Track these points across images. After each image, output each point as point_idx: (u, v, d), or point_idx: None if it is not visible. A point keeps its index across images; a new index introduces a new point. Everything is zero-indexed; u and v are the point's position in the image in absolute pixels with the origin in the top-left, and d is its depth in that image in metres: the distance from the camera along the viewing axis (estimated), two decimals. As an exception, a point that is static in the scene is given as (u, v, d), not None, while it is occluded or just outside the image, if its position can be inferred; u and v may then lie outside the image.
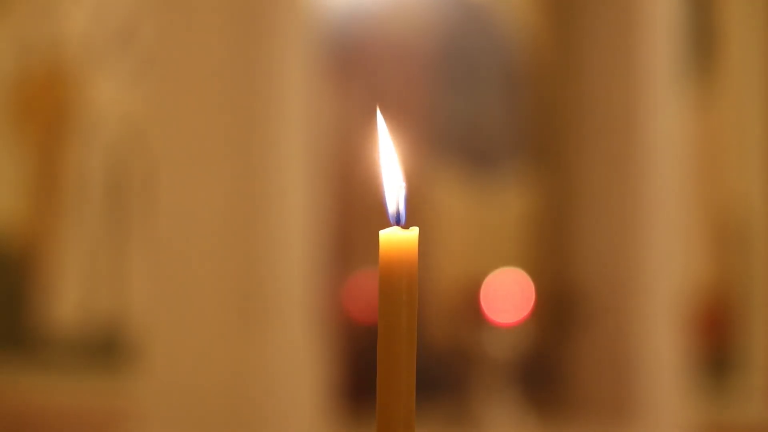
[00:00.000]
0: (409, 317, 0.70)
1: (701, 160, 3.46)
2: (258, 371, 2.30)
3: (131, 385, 2.54)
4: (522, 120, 3.05)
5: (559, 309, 2.99)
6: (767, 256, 3.56)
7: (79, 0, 3.00)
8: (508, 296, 2.89)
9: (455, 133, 2.93)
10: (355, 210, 2.81)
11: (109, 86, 2.98)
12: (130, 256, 2.83)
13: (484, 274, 2.87)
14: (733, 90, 3.61)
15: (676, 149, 3.10)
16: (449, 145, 2.91)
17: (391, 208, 0.72)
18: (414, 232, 0.70)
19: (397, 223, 0.72)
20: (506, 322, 2.87)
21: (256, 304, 2.30)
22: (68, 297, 2.90)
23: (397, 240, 0.70)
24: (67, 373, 2.89)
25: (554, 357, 3.03)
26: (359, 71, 2.76)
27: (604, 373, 2.96)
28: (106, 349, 2.86)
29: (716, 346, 3.44)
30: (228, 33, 2.24)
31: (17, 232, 3.02)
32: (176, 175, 2.31)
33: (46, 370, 2.92)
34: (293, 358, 2.34)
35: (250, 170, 2.29)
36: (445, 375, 2.87)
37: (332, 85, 2.64)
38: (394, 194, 0.72)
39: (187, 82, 2.29)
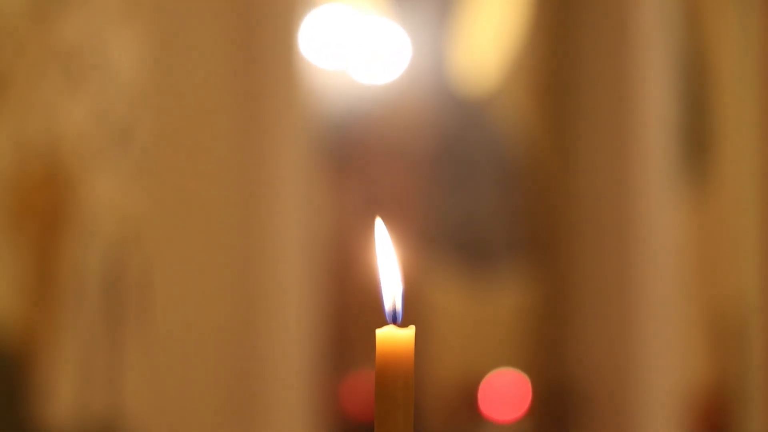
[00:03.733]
0: (405, 415, 0.70)
1: (697, 258, 3.46)
2: (254, 471, 2.28)
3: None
4: (519, 217, 3.06)
5: (556, 406, 2.98)
6: (764, 354, 3.55)
7: (78, 98, 3.03)
8: (505, 394, 2.88)
9: (452, 230, 2.94)
10: (351, 308, 2.80)
11: (106, 185, 2.99)
12: (126, 355, 2.82)
13: (481, 372, 2.86)
14: (728, 187, 3.63)
15: (672, 246, 3.10)
16: (446, 242, 2.92)
17: (388, 307, 0.72)
18: (410, 330, 0.71)
19: (394, 321, 0.72)
20: (503, 420, 2.86)
21: (253, 404, 2.29)
22: (64, 396, 2.88)
23: (394, 338, 0.71)
24: (62, 474, 2.87)
25: (552, 456, 3.01)
26: (356, 169, 2.78)
27: (602, 472, 2.93)
28: (100, 448, 2.83)
29: (715, 444, 3.42)
30: (226, 132, 2.26)
31: (13, 330, 3.01)
32: (173, 274, 2.32)
33: (40, 471, 2.90)
34: (289, 457, 2.32)
35: (247, 268, 2.30)
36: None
37: (329, 183, 2.65)
38: (391, 292, 0.72)
39: (185, 182, 2.30)
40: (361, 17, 2.61)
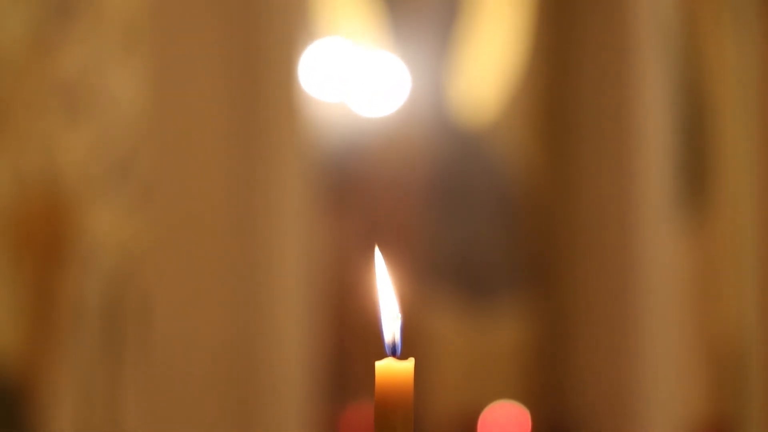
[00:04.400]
0: (405, 448, 0.70)
1: (697, 289, 3.46)
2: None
3: None
4: (518, 249, 3.06)
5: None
6: (764, 385, 3.55)
7: (77, 130, 3.03)
8: (505, 426, 2.87)
9: (451, 262, 2.94)
10: (351, 340, 2.80)
11: (105, 216, 2.99)
12: (125, 384, 2.82)
13: (481, 404, 2.86)
14: (727, 218, 3.63)
15: (672, 278, 3.10)
16: (445, 274, 2.92)
17: (387, 339, 0.72)
18: (410, 363, 0.71)
19: (393, 353, 0.72)
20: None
21: (251, 436, 2.28)
22: (64, 425, 2.88)
23: (393, 370, 0.71)
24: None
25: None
26: (355, 200, 2.78)
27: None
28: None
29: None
30: (225, 163, 2.26)
31: (12, 360, 3.01)
32: (172, 303, 2.31)
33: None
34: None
35: (246, 299, 2.29)
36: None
37: (329, 214, 2.65)
38: (390, 325, 0.72)
39: (185, 213, 2.30)
40: (361, 50, 2.62)
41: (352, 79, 2.62)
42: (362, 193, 2.74)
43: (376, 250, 0.76)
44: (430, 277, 2.88)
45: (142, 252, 2.71)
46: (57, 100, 3.14)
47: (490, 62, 2.96)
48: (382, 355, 0.70)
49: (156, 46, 2.36)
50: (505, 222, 3.01)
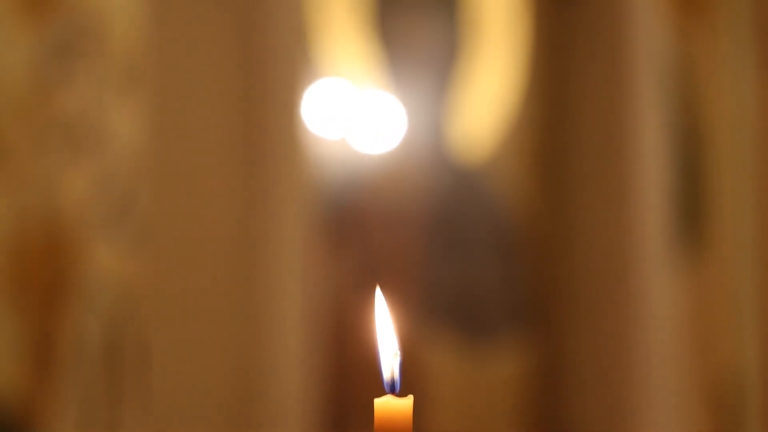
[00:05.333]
0: (404, 484, 0.70)
1: (695, 327, 3.46)
2: None
3: None
4: (516, 285, 3.06)
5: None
6: (763, 423, 3.54)
7: (78, 167, 3.05)
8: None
9: (449, 298, 2.95)
10: (350, 378, 2.80)
11: (106, 254, 3.00)
12: (125, 422, 2.81)
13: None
14: (725, 256, 3.64)
15: (669, 315, 3.11)
16: (443, 310, 2.92)
17: (386, 376, 0.73)
18: (409, 400, 0.71)
19: (392, 391, 0.73)
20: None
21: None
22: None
23: (392, 408, 0.71)
24: None
25: None
26: (354, 237, 2.79)
27: None
28: None
29: None
30: (226, 200, 2.26)
31: (12, 397, 3.01)
32: (172, 341, 2.31)
33: None
34: None
35: (246, 336, 2.30)
36: None
37: (327, 254, 2.66)
38: (389, 362, 0.73)
39: (185, 250, 2.31)
40: (359, 90, 2.63)
41: (351, 118, 2.63)
42: (361, 230, 2.75)
43: (376, 287, 0.77)
44: (428, 313, 2.88)
45: (142, 290, 2.72)
46: (58, 137, 3.16)
47: (487, 100, 2.98)
48: (381, 392, 0.70)
49: (157, 84, 2.37)
50: (504, 259, 3.02)
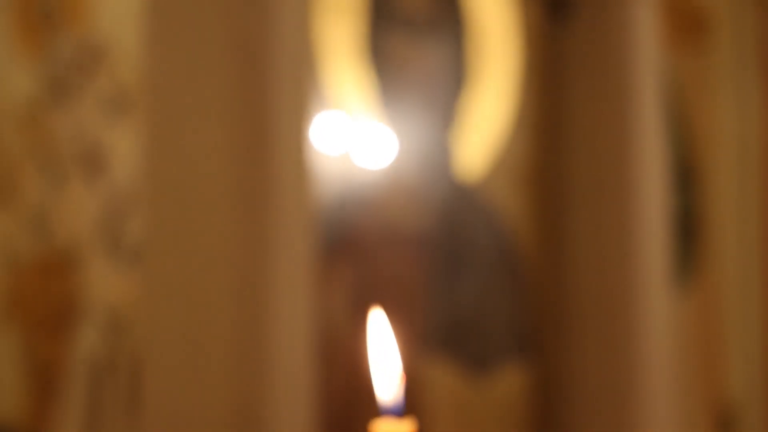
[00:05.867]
0: None
1: (695, 352, 3.46)
2: None
3: None
4: (516, 308, 3.06)
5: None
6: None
7: (73, 191, 3.04)
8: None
9: (448, 321, 2.94)
10: (352, 400, 2.79)
11: (101, 277, 3.00)
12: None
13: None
14: (725, 282, 3.64)
15: (669, 339, 3.10)
16: (443, 333, 2.91)
17: (388, 398, 0.72)
18: (409, 423, 0.71)
19: (393, 413, 0.72)
20: None
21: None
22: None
23: (394, 431, 0.71)
24: None
25: None
26: (353, 258, 2.78)
27: None
28: None
29: None
30: (221, 224, 2.25)
31: (7, 416, 3.00)
32: (168, 367, 2.30)
33: None
34: None
35: (244, 359, 2.29)
36: None
37: (326, 272, 2.65)
38: (390, 384, 0.72)
39: (183, 272, 2.29)
40: (355, 121, 2.63)
41: (349, 147, 2.63)
42: (361, 249, 2.74)
43: (377, 308, 0.76)
44: (427, 335, 2.87)
45: (138, 312, 2.71)
46: (54, 162, 3.15)
47: (485, 122, 2.97)
48: (381, 415, 0.70)
49: (156, 108, 2.36)
50: (503, 280, 3.01)
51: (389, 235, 2.74)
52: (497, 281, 2.99)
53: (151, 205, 2.32)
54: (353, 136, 2.63)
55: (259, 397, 2.27)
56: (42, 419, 2.97)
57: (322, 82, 2.54)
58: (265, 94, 2.24)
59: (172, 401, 2.30)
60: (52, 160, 3.10)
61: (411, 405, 2.68)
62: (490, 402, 2.97)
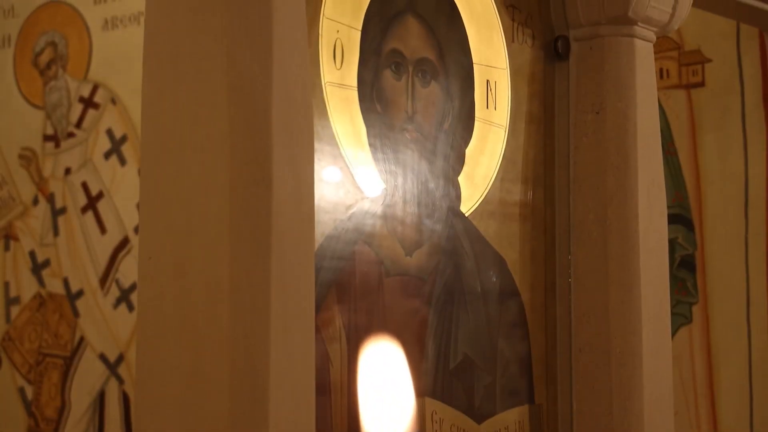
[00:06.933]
0: None
1: (691, 381, 3.46)
2: None
3: None
4: (516, 337, 3.06)
5: None
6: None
7: (73, 225, 3.05)
8: None
9: (450, 358, 2.93)
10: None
11: (97, 317, 3.00)
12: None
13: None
14: (715, 313, 3.65)
15: (667, 369, 3.12)
16: (444, 371, 2.91)
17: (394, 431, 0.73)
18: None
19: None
20: None
21: None
22: None
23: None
24: None
25: None
26: (350, 296, 2.78)
27: None
28: None
29: None
30: (217, 252, 2.24)
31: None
32: (161, 405, 2.28)
33: None
34: None
35: (243, 396, 2.28)
36: None
37: (324, 313, 2.64)
38: (396, 415, 0.73)
39: (176, 313, 2.27)
40: (354, 160, 2.63)
41: (348, 185, 2.64)
42: (358, 288, 2.74)
43: (380, 342, 0.77)
44: (429, 372, 2.86)
45: (132, 351, 2.71)
46: (58, 197, 3.15)
47: (484, 160, 2.98)
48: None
49: (150, 147, 2.35)
50: (505, 317, 3.01)
51: (388, 272, 2.74)
52: (500, 318, 2.99)
53: (147, 251, 2.30)
54: (351, 174, 2.64)
55: (259, 426, 2.25)
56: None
57: (321, 122, 2.55)
58: (265, 137, 2.24)
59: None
60: (56, 196, 3.09)
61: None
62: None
